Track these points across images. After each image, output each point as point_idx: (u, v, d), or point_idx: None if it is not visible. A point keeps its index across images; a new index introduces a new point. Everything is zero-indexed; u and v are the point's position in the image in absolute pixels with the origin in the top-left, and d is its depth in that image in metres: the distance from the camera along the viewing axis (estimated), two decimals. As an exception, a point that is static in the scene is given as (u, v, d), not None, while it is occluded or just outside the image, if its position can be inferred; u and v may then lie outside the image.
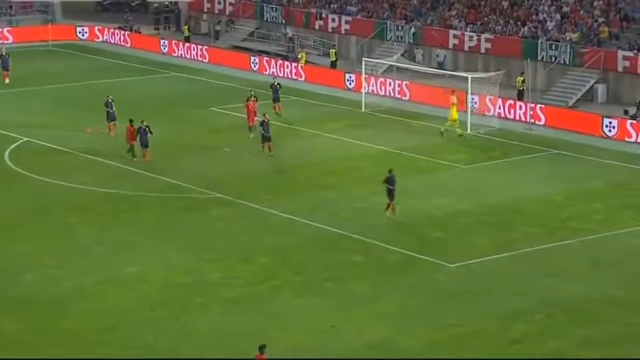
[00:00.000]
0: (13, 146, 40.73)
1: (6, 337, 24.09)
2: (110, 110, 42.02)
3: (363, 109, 47.69)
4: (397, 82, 50.27)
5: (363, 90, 48.75)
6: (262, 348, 21.45)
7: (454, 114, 42.80)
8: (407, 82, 50.13)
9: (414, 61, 54.23)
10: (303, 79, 54.57)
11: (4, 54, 52.45)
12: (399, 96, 49.89)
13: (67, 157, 39.43)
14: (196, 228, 31.78)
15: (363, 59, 50.93)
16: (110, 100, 42.44)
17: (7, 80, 51.88)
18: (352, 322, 25.06)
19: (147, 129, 38.05)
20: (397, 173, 32.77)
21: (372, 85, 50.39)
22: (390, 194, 32.36)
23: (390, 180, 32.40)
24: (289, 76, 54.72)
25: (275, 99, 45.34)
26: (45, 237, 30.73)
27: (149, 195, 34.75)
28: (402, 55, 54.76)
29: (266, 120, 39.37)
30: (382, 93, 50.26)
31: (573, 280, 27.79)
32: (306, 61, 56.37)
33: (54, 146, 40.69)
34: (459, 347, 23.68)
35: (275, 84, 45.78)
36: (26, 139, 41.67)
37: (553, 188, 36.25)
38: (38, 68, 57.20)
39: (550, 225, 32.09)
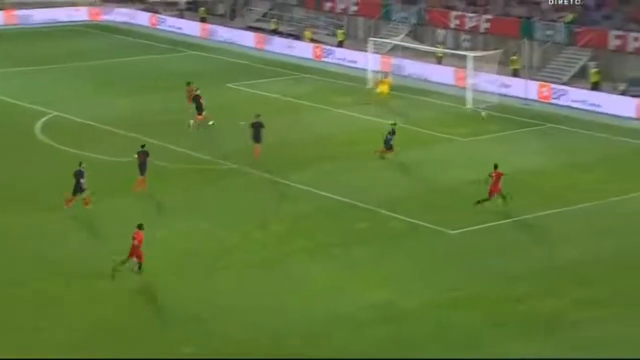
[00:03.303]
0: (44, 119, 40.46)
1: (56, 294, 23.97)
2: None
3: (370, 86, 47.33)
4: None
5: (369, 68, 48.32)
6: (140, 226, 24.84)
7: (384, 89, 43.39)
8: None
9: (418, 41, 53.77)
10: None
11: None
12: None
13: (91, 130, 39.20)
14: (214, 197, 31.54)
15: (369, 38, 50.50)
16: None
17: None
18: (358, 285, 24.88)
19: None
20: (401, 145, 32.11)
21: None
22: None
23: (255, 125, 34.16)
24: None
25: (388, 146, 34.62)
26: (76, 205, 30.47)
27: (171, 166, 34.52)
28: (406, 35, 54.22)
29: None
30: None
31: (569, 245, 27.52)
32: (311, 39, 56.19)
33: (80, 120, 40.46)
34: (456, 308, 23.45)
35: (392, 128, 34.83)
36: (55, 113, 41.38)
37: (548, 159, 35.93)
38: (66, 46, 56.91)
39: (546, 194, 31.77)
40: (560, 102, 44.27)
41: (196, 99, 39.31)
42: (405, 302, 23.79)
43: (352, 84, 48.25)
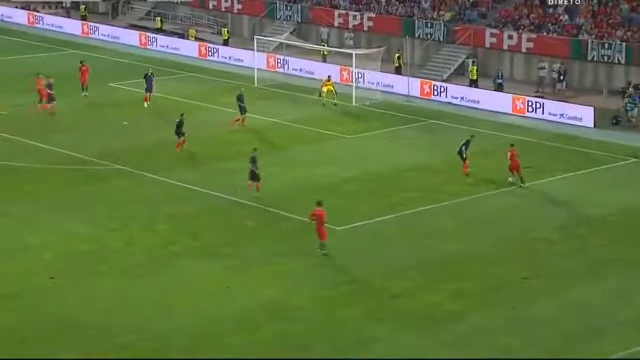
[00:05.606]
0: None
1: None
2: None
3: (256, 84, 47.48)
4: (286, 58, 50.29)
5: (255, 66, 48.44)
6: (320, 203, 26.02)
7: (330, 88, 43.60)
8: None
9: (303, 39, 54.22)
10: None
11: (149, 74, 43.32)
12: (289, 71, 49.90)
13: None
14: (97, 199, 31.11)
15: (255, 36, 50.61)
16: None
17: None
18: (247, 284, 25.04)
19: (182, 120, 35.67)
20: (288, 144, 32.51)
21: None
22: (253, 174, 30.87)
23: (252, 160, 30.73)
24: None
25: (463, 156, 33.88)
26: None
27: (51, 167, 33.85)
28: (291, 33, 54.61)
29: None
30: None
31: (447, 238, 28.37)
32: (196, 38, 56.02)
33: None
34: (342, 305, 23.88)
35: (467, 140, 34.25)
36: None
37: (429, 155, 36.86)
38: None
39: (427, 189, 32.64)
40: (441, 98, 45.50)
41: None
42: (294, 300, 24.07)
43: (238, 83, 48.22)
